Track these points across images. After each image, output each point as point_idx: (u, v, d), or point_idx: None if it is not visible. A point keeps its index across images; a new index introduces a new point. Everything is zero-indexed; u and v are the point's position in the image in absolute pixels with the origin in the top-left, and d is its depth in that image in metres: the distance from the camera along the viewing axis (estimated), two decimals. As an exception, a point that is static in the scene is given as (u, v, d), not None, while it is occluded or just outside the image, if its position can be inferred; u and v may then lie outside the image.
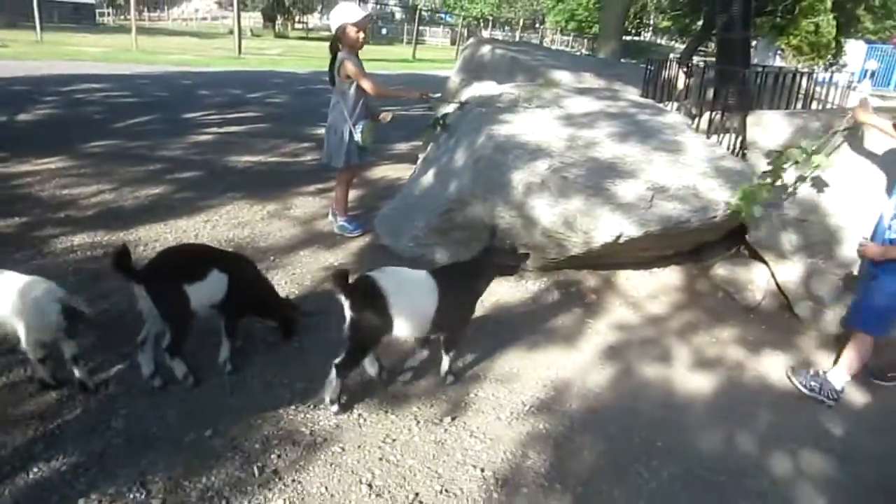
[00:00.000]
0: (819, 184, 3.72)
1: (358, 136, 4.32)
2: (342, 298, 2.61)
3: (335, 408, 2.74)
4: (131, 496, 2.21)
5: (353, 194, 5.68)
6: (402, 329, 2.71)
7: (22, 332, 2.52)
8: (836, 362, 3.27)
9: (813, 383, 3.20)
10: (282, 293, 3.73)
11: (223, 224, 4.69)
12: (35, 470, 2.28)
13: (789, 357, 3.56)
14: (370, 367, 2.93)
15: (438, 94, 4.21)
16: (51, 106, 8.46)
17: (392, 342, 2.97)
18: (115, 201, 4.95)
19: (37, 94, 9.11)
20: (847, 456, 2.82)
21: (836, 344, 3.54)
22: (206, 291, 2.74)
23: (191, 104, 9.32)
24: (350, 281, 2.62)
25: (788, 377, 3.33)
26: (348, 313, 2.63)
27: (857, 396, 3.29)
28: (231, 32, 19.03)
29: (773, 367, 3.46)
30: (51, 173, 5.43)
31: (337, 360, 2.67)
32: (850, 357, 3.17)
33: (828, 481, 2.67)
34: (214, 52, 18.59)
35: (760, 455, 2.78)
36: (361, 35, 4.24)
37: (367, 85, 4.22)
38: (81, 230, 4.30)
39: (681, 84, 5.58)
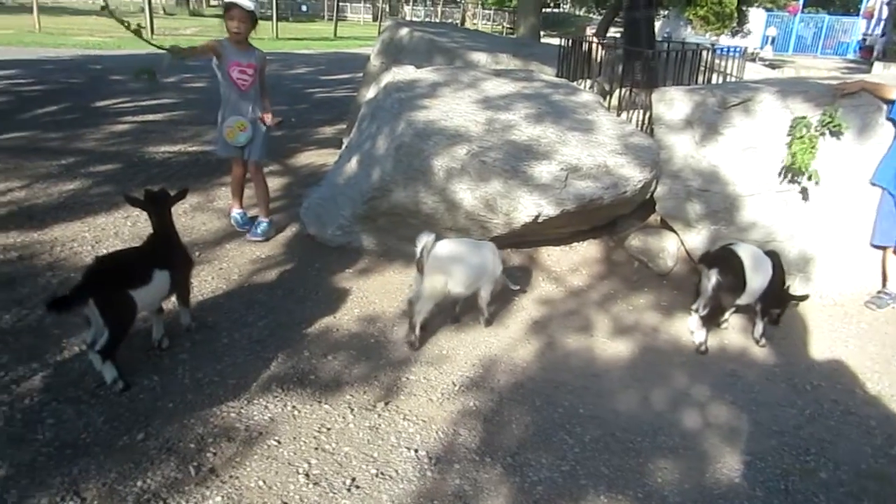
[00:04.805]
0: (722, 156, 3.98)
1: (224, 131, 4.23)
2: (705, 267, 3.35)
3: (704, 348, 3.47)
4: (65, 505, 2.22)
5: (278, 182, 5.65)
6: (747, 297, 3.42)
7: None
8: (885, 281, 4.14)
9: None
10: (209, 289, 3.74)
11: (145, 219, 4.53)
12: (-39, 487, 2.25)
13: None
14: None
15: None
16: (-53, 97, 7.94)
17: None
18: (27, 199, 4.75)
19: (-70, 84, 8.52)
20: (747, 405, 3.09)
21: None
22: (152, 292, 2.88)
23: (103, 91, 8.91)
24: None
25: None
26: (714, 278, 3.26)
27: (755, 351, 3.58)
28: (142, 10, 18.05)
29: (685, 329, 3.70)
30: (-47, 172, 5.15)
31: (702, 314, 3.40)
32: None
33: (731, 430, 2.92)
34: (124, 33, 17.57)
35: (673, 413, 3.01)
36: (229, 22, 4.11)
37: None
38: (-9, 233, 4.13)
39: (593, 54, 5.73)
